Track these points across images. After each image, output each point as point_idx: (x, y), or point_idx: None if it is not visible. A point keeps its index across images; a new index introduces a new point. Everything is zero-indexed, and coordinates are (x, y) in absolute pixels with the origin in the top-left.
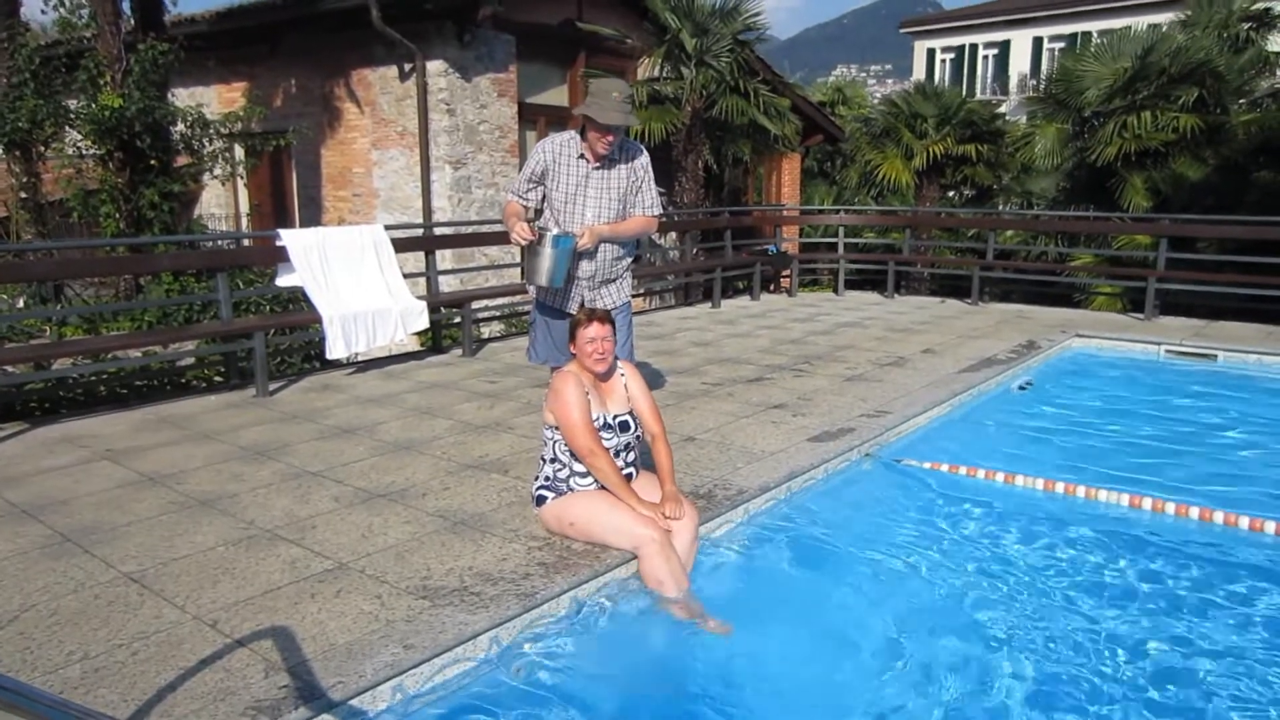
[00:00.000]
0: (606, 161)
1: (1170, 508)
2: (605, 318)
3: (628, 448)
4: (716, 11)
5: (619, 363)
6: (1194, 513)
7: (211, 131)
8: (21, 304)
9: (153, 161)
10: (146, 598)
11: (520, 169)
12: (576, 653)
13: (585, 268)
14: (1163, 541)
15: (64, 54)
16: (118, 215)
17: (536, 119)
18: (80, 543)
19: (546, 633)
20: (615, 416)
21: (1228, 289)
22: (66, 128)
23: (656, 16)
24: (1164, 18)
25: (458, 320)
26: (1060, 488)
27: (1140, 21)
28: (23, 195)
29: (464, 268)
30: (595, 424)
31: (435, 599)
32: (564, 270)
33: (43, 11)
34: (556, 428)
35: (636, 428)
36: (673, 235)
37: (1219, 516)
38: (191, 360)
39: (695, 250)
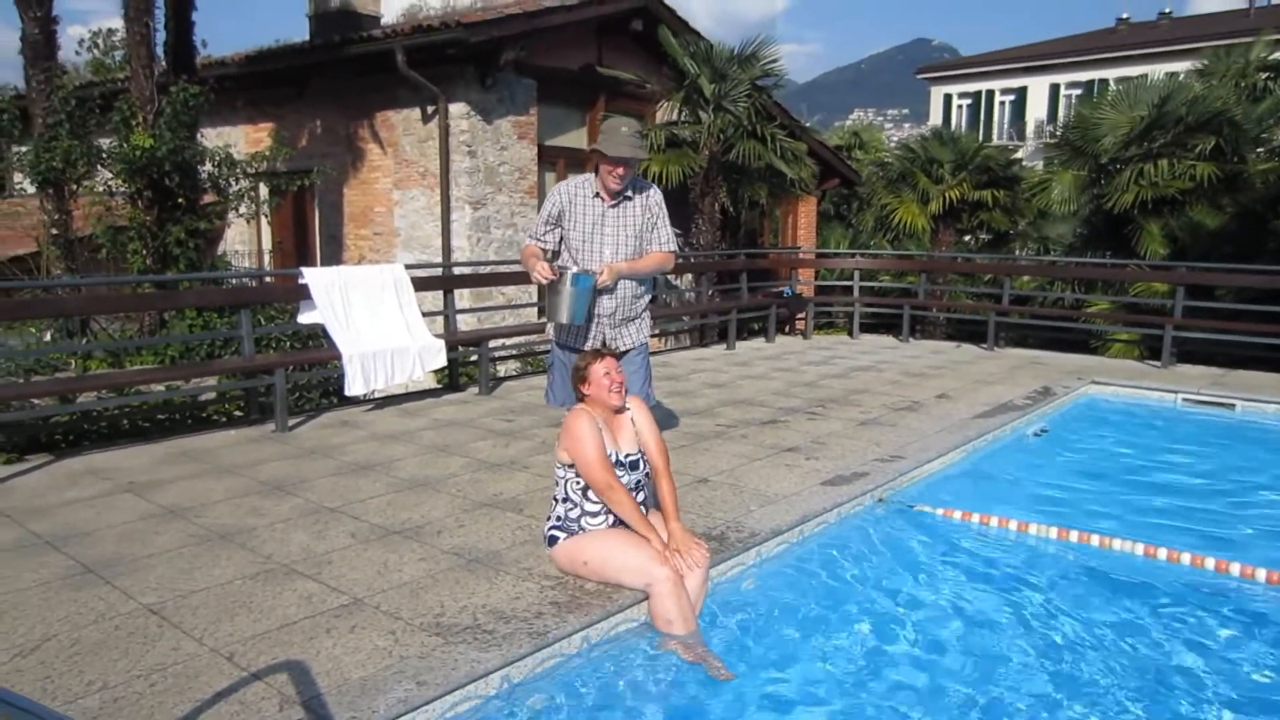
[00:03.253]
0: (621, 200)
1: (1186, 558)
2: (610, 354)
3: (638, 486)
4: (735, 58)
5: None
6: (1210, 564)
7: (238, 171)
8: (49, 337)
9: (180, 200)
10: (165, 629)
11: (539, 210)
12: (586, 693)
13: (606, 304)
14: (1178, 593)
15: (98, 95)
16: (144, 252)
17: (556, 161)
18: (102, 574)
19: (557, 672)
20: (626, 455)
21: (1246, 338)
22: (98, 166)
23: (675, 62)
24: (1181, 66)
25: (474, 358)
26: (1074, 536)
27: (1157, 70)
28: (54, 232)
29: (481, 306)
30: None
31: (448, 636)
32: (584, 307)
33: (76, 53)
34: (570, 466)
35: (646, 465)
36: (689, 277)
37: (1235, 568)
38: (213, 395)
39: (711, 292)
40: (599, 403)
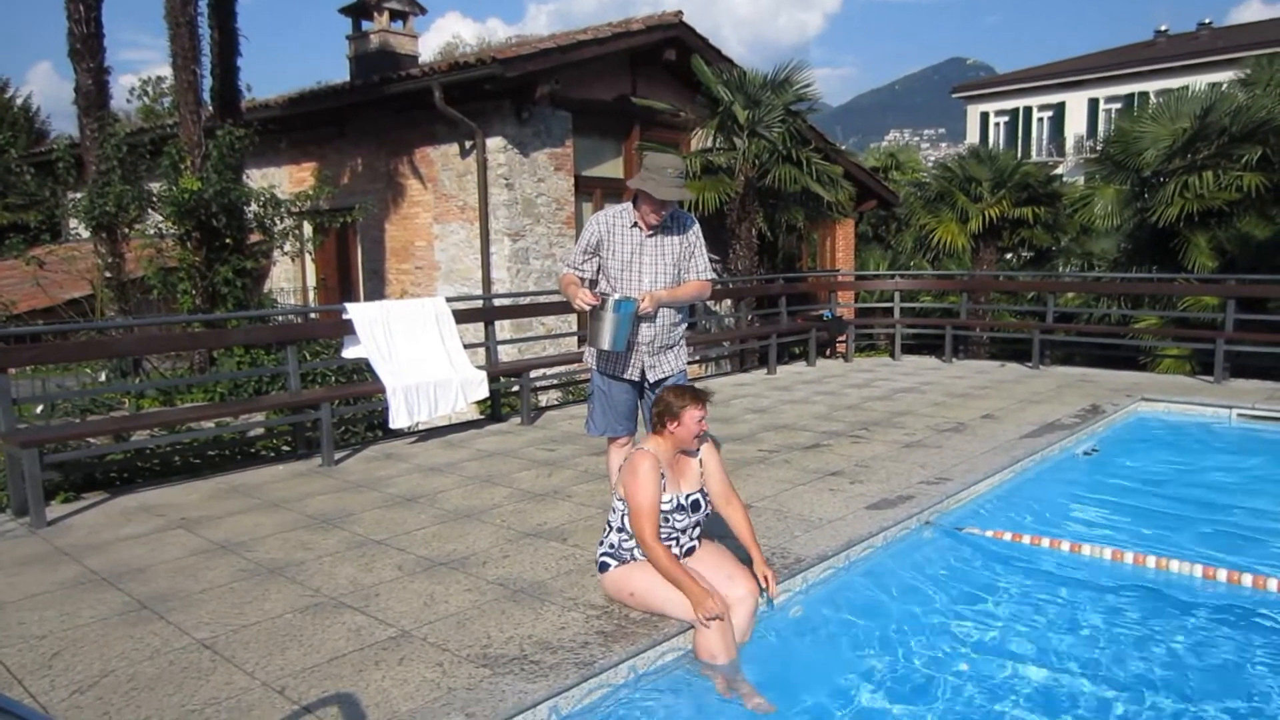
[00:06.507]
0: (659, 230)
1: (1247, 579)
2: (705, 400)
3: (696, 525)
4: (768, 84)
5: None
6: (1273, 585)
7: (283, 210)
8: (103, 377)
9: (227, 240)
10: (218, 664)
11: (577, 240)
12: None
13: (645, 333)
14: (1240, 615)
15: (148, 141)
16: (194, 292)
17: (592, 191)
18: (156, 609)
19: (605, 703)
20: (688, 496)
21: None
22: (149, 210)
23: (709, 90)
24: (1223, 77)
25: (516, 389)
26: (1129, 557)
27: (1198, 81)
28: (107, 274)
29: (522, 337)
30: (668, 505)
31: (495, 667)
32: (626, 333)
33: (128, 100)
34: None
35: (707, 505)
36: (728, 302)
37: None
38: (261, 430)
39: (750, 317)
40: (680, 442)
